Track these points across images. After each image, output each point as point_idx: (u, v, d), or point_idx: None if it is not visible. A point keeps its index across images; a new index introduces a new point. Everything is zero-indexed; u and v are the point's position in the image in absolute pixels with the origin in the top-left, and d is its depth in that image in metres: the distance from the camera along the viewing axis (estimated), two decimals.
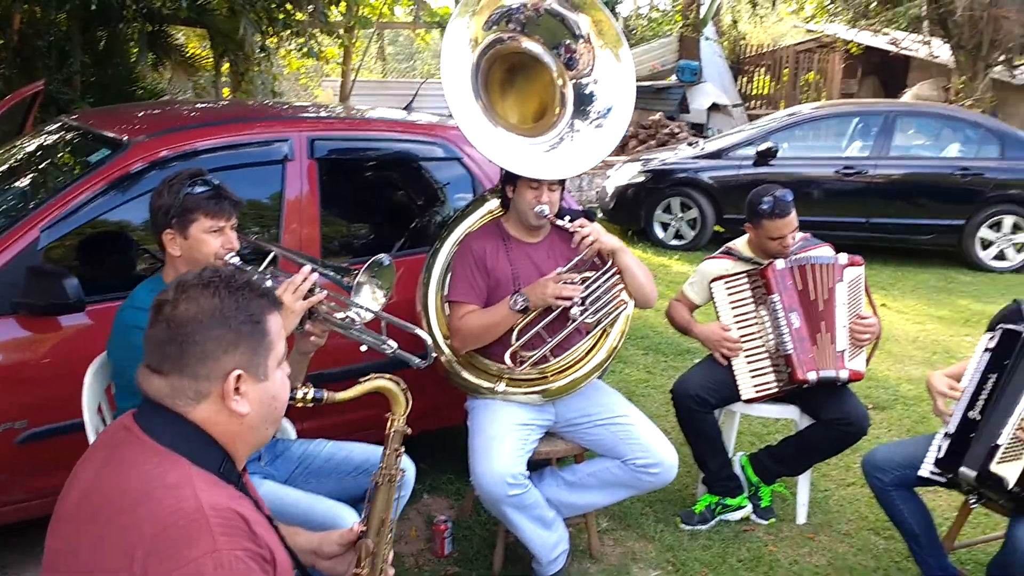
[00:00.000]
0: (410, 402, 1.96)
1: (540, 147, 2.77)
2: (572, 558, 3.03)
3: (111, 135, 2.99)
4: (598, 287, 2.87)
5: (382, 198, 3.68)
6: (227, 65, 9.80)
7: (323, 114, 3.50)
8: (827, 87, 18.58)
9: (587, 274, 2.88)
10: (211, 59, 9.90)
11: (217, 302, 1.44)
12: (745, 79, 19.13)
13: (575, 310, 2.82)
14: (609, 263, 2.89)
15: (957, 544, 3.03)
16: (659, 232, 8.61)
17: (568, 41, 2.85)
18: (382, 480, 1.92)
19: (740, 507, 3.45)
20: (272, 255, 2.48)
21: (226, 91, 10.39)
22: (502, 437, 2.75)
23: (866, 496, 3.67)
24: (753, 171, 8.30)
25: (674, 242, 8.57)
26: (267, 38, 9.22)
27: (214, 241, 2.29)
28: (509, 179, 2.85)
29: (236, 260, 2.34)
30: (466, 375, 2.91)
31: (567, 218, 2.83)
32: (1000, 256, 8.18)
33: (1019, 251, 8.15)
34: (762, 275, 3.31)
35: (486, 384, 2.88)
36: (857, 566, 3.18)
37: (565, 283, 2.77)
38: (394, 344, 2.26)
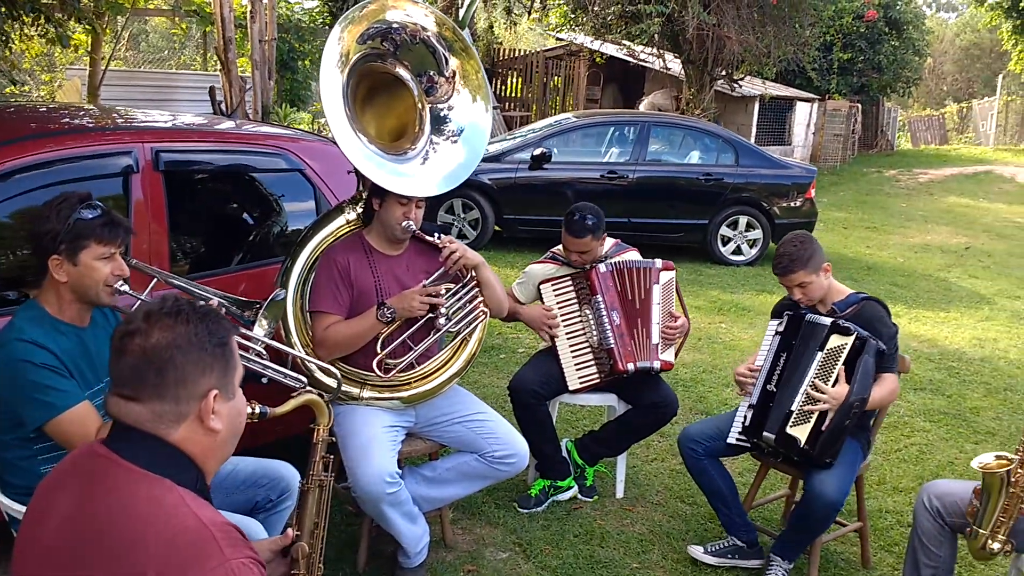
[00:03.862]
0: (332, 414, 2.08)
1: (411, 164, 2.91)
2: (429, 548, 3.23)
3: None
4: (460, 298, 3.09)
5: (228, 210, 3.63)
6: None
7: (166, 124, 3.39)
8: (573, 92, 19.86)
9: (448, 285, 3.08)
10: None
11: (191, 328, 1.50)
12: (499, 82, 19.97)
13: (440, 320, 3.01)
14: (469, 276, 3.11)
15: (755, 503, 3.57)
16: None
17: (432, 72, 3.02)
18: (312, 485, 2.03)
19: (568, 488, 3.83)
20: (155, 281, 2.45)
21: None
22: (376, 439, 2.89)
23: (668, 469, 4.21)
24: (529, 174, 8.85)
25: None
26: (6, 21, 8.36)
27: (105, 268, 2.25)
28: (377, 192, 2.96)
29: (126, 288, 2.30)
30: (329, 382, 3.00)
31: (436, 234, 3.01)
32: (737, 251, 9.35)
33: (752, 247, 9.35)
34: (587, 277, 3.70)
35: (353, 391, 2.99)
36: (672, 531, 3.65)
37: (430, 295, 2.96)
38: (304, 379, 2.35)
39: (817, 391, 3.00)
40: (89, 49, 11.52)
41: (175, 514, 1.40)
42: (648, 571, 3.34)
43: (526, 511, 3.70)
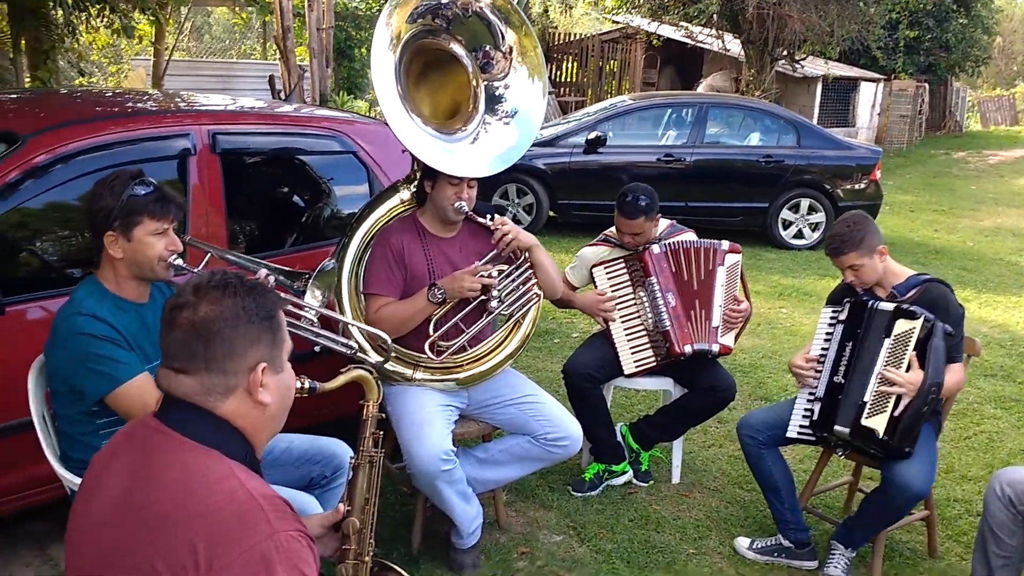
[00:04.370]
0: (382, 390, 2.08)
1: (460, 144, 2.88)
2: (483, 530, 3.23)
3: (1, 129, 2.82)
4: (513, 281, 3.05)
5: (282, 192, 3.67)
6: (24, 42, 9.01)
7: (222, 107, 3.43)
8: (629, 76, 19.65)
9: (502, 267, 3.05)
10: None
11: (239, 300, 1.50)
12: (554, 66, 19.85)
13: (493, 303, 2.99)
14: (523, 258, 3.07)
15: (817, 490, 3.48)
16: None
17: (488, 47, 2.97)
18: (363, 461, 2.03)
19: (623, 472, 3.78)
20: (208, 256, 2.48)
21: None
22: (430, 418, 2.89)
23: (726, 455, 4.13)
24: (583, 158, 8.77)
25: None
26: (73, 12, 8.58)
27: (158, 243, 2.28)
28: (429, 174, 2.95)
29: (180, 262, 2.33)
30: (376, 357, 2.98)
31: (488, 216, 2.98)
32: (799, 235, 9.14)
33: (814, 230, 9.13)
34: (640, 259, 3.63)
35: (405, 372, 2.99)
36: (730, 517, 3.59)
37: (482, 276, 2.94)
38: (354, 344, 2.35)
39: (890, 379, 2.89)
40: (153, 40, 11.77)
41: (224, 486, 1.41)
42: (705, 557, 3.29)
43: (580, 495, 3.67)
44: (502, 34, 2.96)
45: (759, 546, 3.29)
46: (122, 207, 2.22)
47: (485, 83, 3.00)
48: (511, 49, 2.98)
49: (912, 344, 2.88)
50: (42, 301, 2.71)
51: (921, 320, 2.88)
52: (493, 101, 3.01)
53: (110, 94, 3.85)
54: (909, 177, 15.35)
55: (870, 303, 3.04)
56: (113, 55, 13.50)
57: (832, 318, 3.19)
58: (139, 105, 3.36)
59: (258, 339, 1.51)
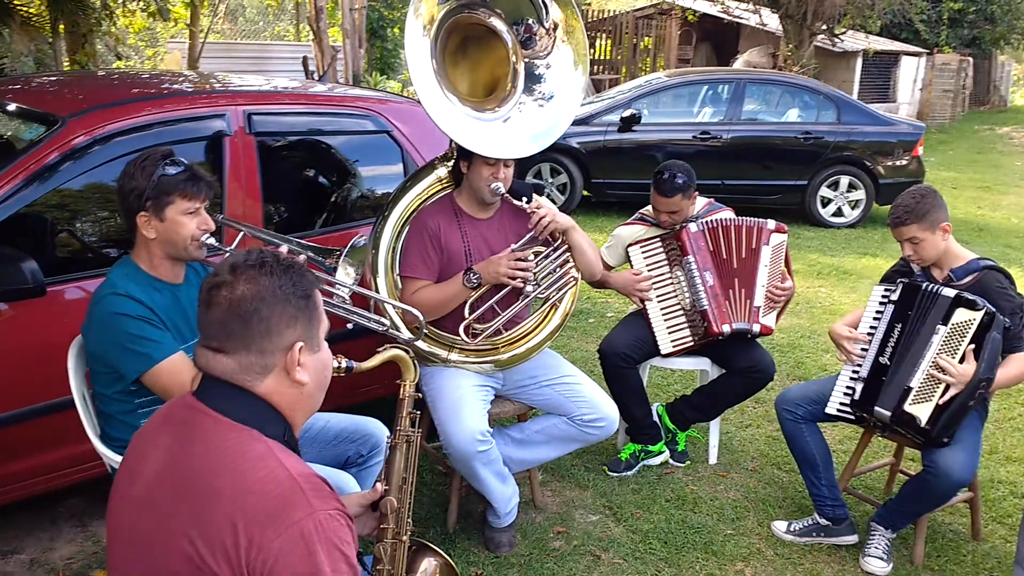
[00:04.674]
0: (418, 370, 2.07)
1: (495, 124, 2.84)
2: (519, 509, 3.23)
3: (40, 111, 2.85)
4: (550, 263, 3.01)
5: (317, 172, 3.67)
6: (62, 26, 9.12)
7: (257, 88, 3.43)
8: (665, 52, 19.40)
9: (539, 248, 3.01)
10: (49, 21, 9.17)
11: (275, 280, 1.50)
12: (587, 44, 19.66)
13: (528, 287, 2.95)
14: (560, 241, 3.03)
15: (857, 470, 3.42)
16: None
17: (531, 20, 2.87)
18: (400, 441, 2.02)
19: (660, 452, 3.76)
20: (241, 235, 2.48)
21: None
22: (466, 399, 2.88)
23: (763, 436, 4.09)
24: (618, 137, 8.69)
25: None
26: None
27: (191, 222, 2.28)
28: (464, 155, 2.91)
29: (212, 240, 2.34)
30: (419, 344, 3.00)
31: (523, 199, 2.93)
32: (838, 213, 8.99)
33: (853, 208, 8.98)
34: (676, 238, 3.58)
35: (441, 353, 2.98)
36: (768, 497, 3.55)
37: (518, 260, 2.90)
38: (387, 321, 2.34)
39: (944, 367, 2.80)
40: (188, 22, 11.85)
41: (263, 464, 1.41)
42: (743, 538, 3.25)
43: (616, 475, 3.65)
44: (546, 7, 2.87)
45: (796, 528, 3.26)
46: (153, 187, 2.22)
47: (525, 60, 2.91)
48: (556, 26, 2.89)
49: (970, 336, 2.78)
50: (81, 282, 2.74)
51: (983, 312, 2.77)
52: (532, 80, 2.93)
53: (147, 76, 3.87)
54: (952, 153, 15.02)
55: (925, 285, 2.95)
56: (149, 38, 13.62)
57: (884, 296, 3.11)
58: (175, 86, 3.37)
59: (295, 318, 1.50)
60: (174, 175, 2.26)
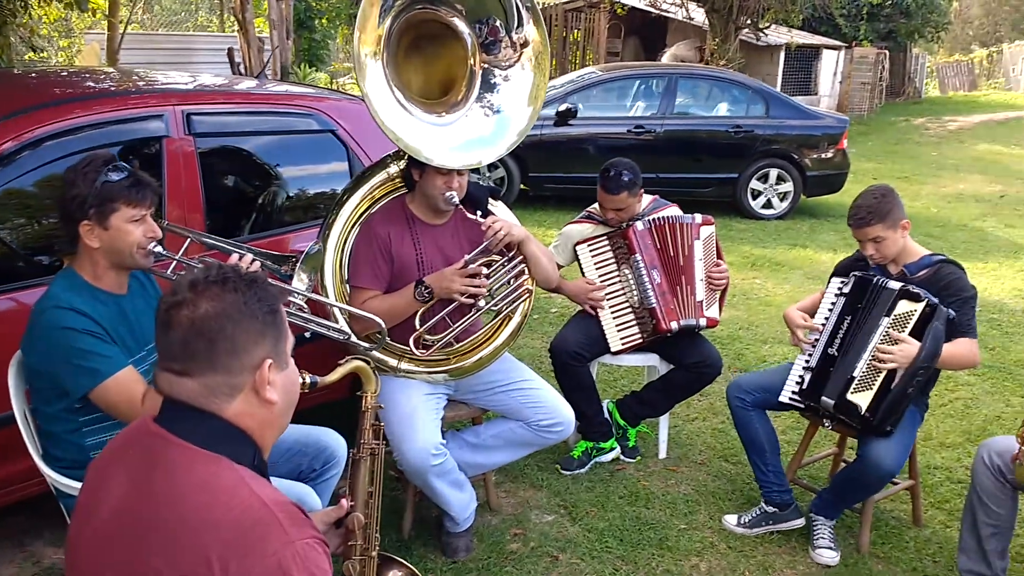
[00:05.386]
0: (379, 381, 2.02)
1: (444, 130, 2.75)
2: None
3: None
4: (504, 274, 2.96)
5: (261, 173, 3.55)
6: None
7: (194, 86, 3.30)
8: (593, 46, 19.53)
9: (494, 258, 2.95)
10: None
11: (240, 296, 1.42)
12: None
13: (481, 301, 2.90)
14: (514, 252, 2.98)
15: (804, 461, 3.50)
16: None
17: (498, 23, 2.76)
18: (364, 454, 1.98)
19: (611, 449, 3.78)
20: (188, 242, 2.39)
21: None
22: (418, 411, 2.83)
23: (710, 428, 4.15)
24: (554, 131, 8.70)
25: None
26: None
27: (136, 230, 2.19)
28: (415, 163, 2.82)
29: (159, 248, 2.25)
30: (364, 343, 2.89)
31: (478, 211, 2.86)
32: (768, 205, 9.19)
33: (782, 200, 9.19)
34: (623, 236, 3.59)
35: (391, 362, 2.89)
36: (718, 490, 3.60)
37: (471, 277, 2.84)
38: (348, 330, 2.28)
39: (883, 355, 2.87)
40: (107, 13, 11.41)
41: (235, 494, 1.35)
42: (696, 532, 3.29)
43: (569, 473, 3.66)
44: (520, 19, 2.75)
45: (746, 520, 3.31)
46: (96, 194, 2.12)
47: (484, 66, 2.82)
48: (526, 43, 2.78)
49: (910, 326, 2.87)
50: (12, 293, 2.60)
51: (923, 303, 2.86)
52: (486, 88, 2.84)
53: (74, 74, 3.69)
54: (871, 144, 15.50)
55: (876, 279, 3.03)
56: (64, 29, 13.07)
57: (838, 289, 3.17)
58: (107, 85, 3.22)
59: (262, 335, 1.44)
60: (118, 181, 2.15)
